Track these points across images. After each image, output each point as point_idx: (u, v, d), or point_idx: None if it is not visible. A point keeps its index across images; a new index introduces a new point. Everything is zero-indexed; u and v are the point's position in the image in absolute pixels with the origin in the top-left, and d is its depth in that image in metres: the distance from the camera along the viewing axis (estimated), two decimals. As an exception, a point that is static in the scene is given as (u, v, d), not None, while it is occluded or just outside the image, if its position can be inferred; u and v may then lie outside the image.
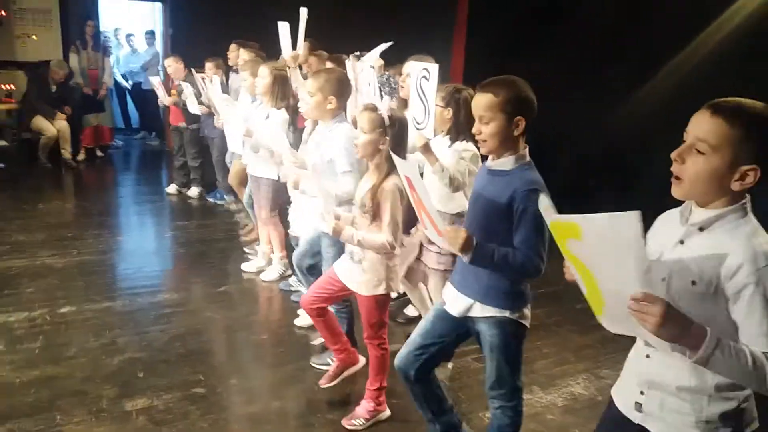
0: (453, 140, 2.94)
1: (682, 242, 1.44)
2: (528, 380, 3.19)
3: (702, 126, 1.36)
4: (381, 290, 2.64)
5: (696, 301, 1.35)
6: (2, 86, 7.63)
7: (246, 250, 4.97)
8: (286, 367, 3.25)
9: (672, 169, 1.41)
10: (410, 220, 2.64)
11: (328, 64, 4.22)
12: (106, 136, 8.59)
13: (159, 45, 9.50)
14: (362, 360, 2.97)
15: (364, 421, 2.76)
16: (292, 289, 4.16)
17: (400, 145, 2.56)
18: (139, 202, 6.72)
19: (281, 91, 4.04)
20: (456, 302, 2.20)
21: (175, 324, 3.65)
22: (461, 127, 2.89)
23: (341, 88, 3.10)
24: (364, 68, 3.50)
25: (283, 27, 4.29)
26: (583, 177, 6.66)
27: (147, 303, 3.93)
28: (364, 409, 2.78)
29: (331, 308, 2.99)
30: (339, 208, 2.84)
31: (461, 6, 7.88)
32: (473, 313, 2.16)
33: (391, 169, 2.48)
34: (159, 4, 9.37)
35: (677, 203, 1.50)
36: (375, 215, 2.56)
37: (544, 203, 1.56)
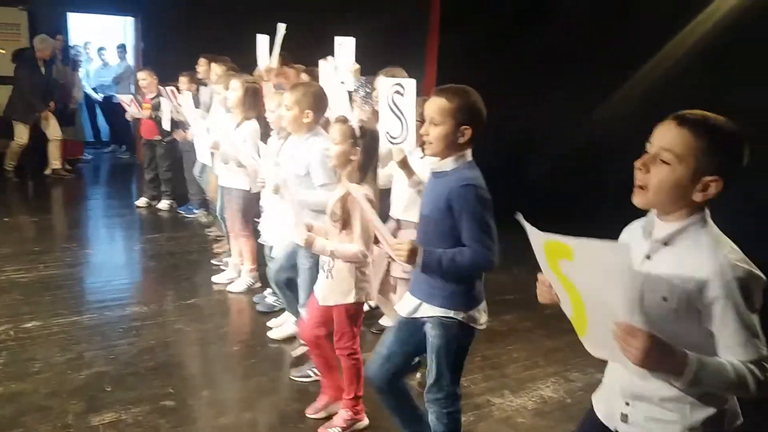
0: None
1: (648, 257, 1.45)
2: (499, 384, 3.24)
3: (667, 136, 1.37)
4: (350, 299, 2.63)
5: (669, 317, 1.36)
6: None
7: (214, 262, 4.93)
8: (258, 378, 3.23)
9: (636, 177, 1.42)
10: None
11: (304, 76, 4.25)
12: (76, 150, 8.48)
13: (130, 59, 9.44)
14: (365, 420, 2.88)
15: (340, 430, 2.74)
16: (265, 300, 4.13)
17: (371, 156, 2.59)
18: (108, 215, 6.63)
19: (252, 102, 4.07)
20: (405, 303, 2.23)
21: (145, 337, 3.60)
22: None
23: (318, 103, 3.15)
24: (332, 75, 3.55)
25: (262, 40, 4.31)
26: (558, 177, 6.77)
27: (115, 316, 3.87)
28: (341, 418, 2.77)
29: None
30: (316, 219, 2.84)
31: (433, 13, 7.98)
32: (420, 313, 2.17)
33: (362, 179, 2.52)
34: (130, 19, 9.32)
35: (642, 210, 1.52)
36: (345, 224, 2.58)
37: (526, 225, 1.47)
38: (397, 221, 3.47)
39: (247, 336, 3.79)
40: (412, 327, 2.23)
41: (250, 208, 4.24)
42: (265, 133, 4.07)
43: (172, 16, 8.01)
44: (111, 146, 9.89)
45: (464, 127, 2.03)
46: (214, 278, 4.55)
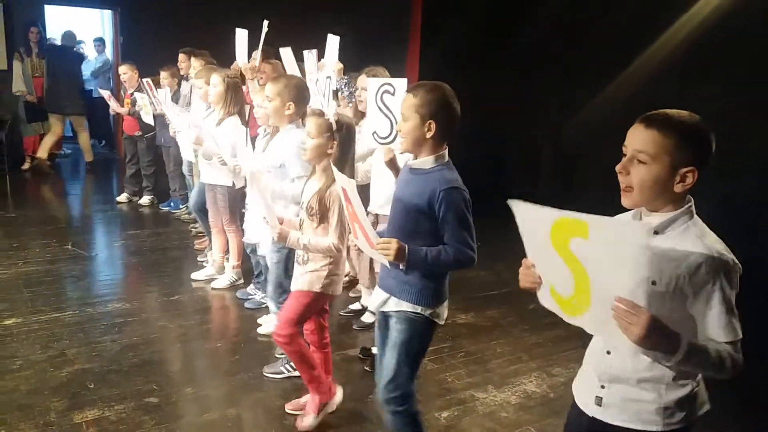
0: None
1: None
2: (482, 379, 3.27)
3: (638, 138, 1.47)
4: (316, 288, 2.64)
5: (656, 300, 1.40)
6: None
7: (200, 258, 4.90)
8: (242, 375, 3.22)
9: (620, 181, 1.51)
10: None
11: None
12: (53, 145, 8.33)
13: (109, 52, 9.30)
14: (339, 392, 2.90)
15: (314, 416, 2.75)
16: (249, 296, 4.13)
17: (347, 150, 2.60)
18: (88, 210, 6.55)
19: (234, 97, 4.05)
20: (375, 297, 2.25)
21: (127, 334, 3.57)
22: None
23: (300, 95, 3.13)
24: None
25: (241, 34, 4.28)
26: (533, 178, 6.85)
27: (98, 313, 3.83)
28: (311, 404, 2.78)
29: None
30: (291, 209, 2.84)
31: (414, 14, 7.99)
32: (388, 308, 2.19)
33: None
34: (108, 11, 9.18)
35: (621, 210, 1.58)
36: (322, 218, 2.58)
37: (531, 206, 1.51)
38: (376, 216, 3.49)
39: (231, 332, 3.78)
40: (383, 323, 2.25)
41: (236, 203, 4.23)
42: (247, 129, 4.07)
43: (152, 9, 7.92)
44: (90, 141, 9.73)
45: (429, 121, 2.05)
46: (194, 275, 4.53)
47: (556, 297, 1.54)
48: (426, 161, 2.11)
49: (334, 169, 2.26)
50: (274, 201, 3.07)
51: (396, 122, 2.75)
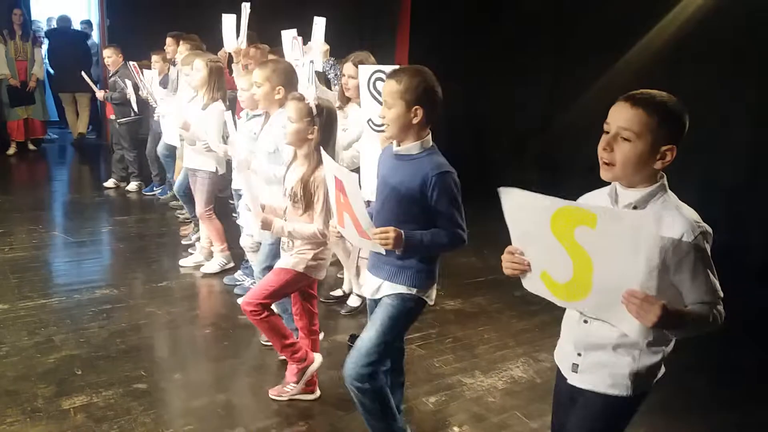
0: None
1: None
2: (470, 365, 3.30)
3: (624, 116, 1.52)
4: (299, 268, 2.64)
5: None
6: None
7: (184, 242, 4.89)
8: (231, 360, 3.23)
9: (601, 156, 1.57)
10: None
11: (270, 57, 4.20)
12: (38, 129, 8.26)
13: (95, 35, 9.17)
14: (317, 358, 2.90)
15: (294, 385, 2.78)
16: (237, 282, 4.12)
17: (328, 135, 2.59)
18: (74, 196, 6.49)
19: (217, 83, 4.02)
20: (368, 284, 2.27)
21: (115, 320, 3.56)
22: None
23: (288, 78, 3.12)
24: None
25: (228, 19, 4.24)
26: (520, 162, 6.88)
27: (85, 299, 3.81)
28: (289, 373, 2.81)
29: None
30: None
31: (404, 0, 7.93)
32: (382, 293, 2.20)
33: (320, 159, 2.47)
34: (95, -7, 9.06)
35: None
36: (308, 206, 2.57)
37: (533, 194, 1.55)
38: (368, 203, 3.49)
39: (219, 318, 3.78)
40: (375, 309, 2.26)
41: (215, 191, 4.22)
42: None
43: (139, -9, 7.81)
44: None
45: (416, 107, 2.04)
46: (182, 262, 4.51)
47: (548, 282, 1.57)
48: (412, 147, 2.11)
49: (332, 161, 2.22)
50: (269, 185, 3.07)
51: None
